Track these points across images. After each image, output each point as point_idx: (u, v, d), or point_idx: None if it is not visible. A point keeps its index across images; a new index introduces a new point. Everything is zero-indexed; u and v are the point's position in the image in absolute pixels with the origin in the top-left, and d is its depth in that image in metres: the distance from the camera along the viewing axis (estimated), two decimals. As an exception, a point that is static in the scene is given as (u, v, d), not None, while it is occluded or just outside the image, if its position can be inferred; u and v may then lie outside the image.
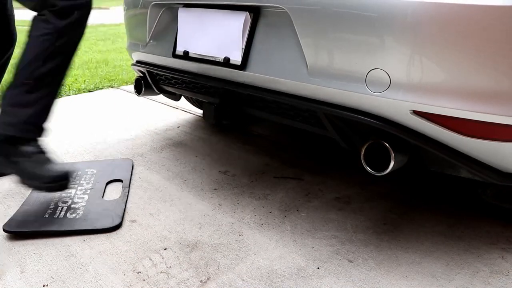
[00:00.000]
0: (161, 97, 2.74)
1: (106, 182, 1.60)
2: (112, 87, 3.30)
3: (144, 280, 1.09)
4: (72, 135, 2.16)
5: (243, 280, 1.09)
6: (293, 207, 1.44)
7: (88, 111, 2.64)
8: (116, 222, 1.32)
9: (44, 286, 1.08)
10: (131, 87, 3.19)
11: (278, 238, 1.27)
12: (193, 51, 1.42)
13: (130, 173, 1.68)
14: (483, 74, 0.90)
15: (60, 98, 3.00)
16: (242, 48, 1.28)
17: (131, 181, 1.62)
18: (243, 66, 1.28)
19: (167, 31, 1.58)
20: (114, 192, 1.54)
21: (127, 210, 1.43)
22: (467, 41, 0.89)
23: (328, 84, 1.08)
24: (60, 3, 1.24)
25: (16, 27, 1.61)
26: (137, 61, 1.80)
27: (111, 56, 4.75)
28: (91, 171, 1.68)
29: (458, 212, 1.41)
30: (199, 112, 2.51)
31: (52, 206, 1.40)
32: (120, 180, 1.62)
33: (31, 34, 1.28)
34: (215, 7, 1.37)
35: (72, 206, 1.41)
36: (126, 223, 1.35)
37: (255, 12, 1.26)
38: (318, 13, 1.07)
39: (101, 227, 1.29)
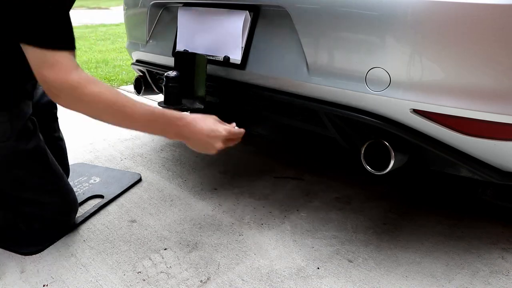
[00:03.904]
0: (161, 97, 2.74)
1: (89, 196, 1.51)
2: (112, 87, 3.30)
3: (144, 280, 1.09)
4: (72, 135, 2.15)
5: (243, 280, 1.09)
6: (293, 207, 1.44)
7: (88, 111, 2.63)
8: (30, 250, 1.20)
9: (44, 286, 1.07)
10: (131, 87, 3.17)
11: (278, 238, 1.26)
12: (193, 50, 1.42)
13: (123, 190, 1.55)
14: (483, 73, 0.89)
15: (60, 98, 3.00)
16: (242, 47, 1.28)
17: (119, 198, 1.50)
18: (243, 65, 1.28)
19: (167, 30, 1.58)
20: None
21: (127, 210, 1.43)
22: (467, 39, 0.89)
23: (328, 83, 1.08)
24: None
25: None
26: (137, 60, 1.80)
27: (111, 56, 4.75)
28: (94, 180, 1.63)
29: (458, 212, 1.40)
30: (199, 112, 2.51)
31: None
32: (101, 196, 1.51)
33: None
34: (215, 6, 1.36)
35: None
36: (126, 223, 1.35)
37: (255, 11, 1.26)
38: (318, 12, 1.07)
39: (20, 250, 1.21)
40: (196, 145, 1.16)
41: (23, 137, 1.15)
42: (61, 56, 1.01)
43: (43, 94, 1.42)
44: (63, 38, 1.03)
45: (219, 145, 1.15)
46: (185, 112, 1.15)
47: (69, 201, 1.28)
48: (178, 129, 1.13)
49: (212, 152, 1.16)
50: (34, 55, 1.01)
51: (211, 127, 1.15)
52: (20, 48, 1.04)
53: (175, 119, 1.12)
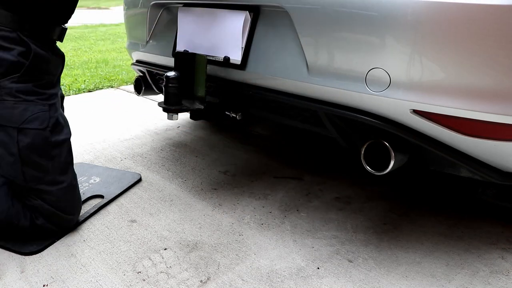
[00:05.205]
0: (161, 97, 2.74)
1: (89, 196, 1.50)
2: (112, 87, 3.30)
3: (144, 280, 1.09)
4: (72, 135, 2.15)
5: (243, 280, 1.09)
6: (293, 207, 1.44)
7: (88, 111, 2.64)
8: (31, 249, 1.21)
9: (44, 286, 1.07)
10: (131, 87, 3.19)
11: (278, 238, 1.27)
12: (193, 51, 1.42)
13: (124, 190, 1.55)
14: (483, 73, 0.89)
15: (60, 98, 3.01)
16: (242, 47, 1.28)
17: (119, 198, 1.50)
18: (243, 65, 1.28)
19: (167, 30, 1.58)
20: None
21: (127, 210, 1.43)
22: (467, 39, 0.89)
23: (328, 83, 1.08)
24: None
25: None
26: (137, 61, 1.80)
27: (111, 56, 4.75)
28: (94, 180, 1.63)
29: (458, 212, 1.40)
30: (199, 112, 2.51)
31: None
32: (101, 196, 1.51)
33: None
34: (215, 7, 1.36)
35: None
36: (126, 223, 1.35)
37: (255, 12, 1.26)
38: (318, 13, 1.07)
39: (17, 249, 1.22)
40: None
41: (56, 129, 1.23)
42: None
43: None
44: None
45: None
46: None
47: (76, 199, 1.31)
48: None
49: None
50: None
51: None
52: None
53: None
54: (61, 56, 1.34)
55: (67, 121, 1.32)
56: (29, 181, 1.21)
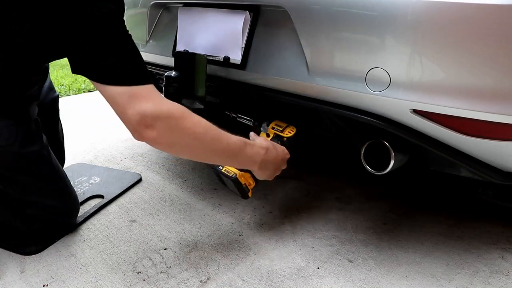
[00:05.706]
0: (161, 97, 2.74)
1: (89, 196, 1.51)
2: (112, 87, 3.30)
3: (144, 280, 1.09)
4: (72, 135, 2.15)
5: (243, 280, 1.09)
6: (293, 207, 1.44)
7: (88, 111, 2.64)
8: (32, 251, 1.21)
9: (44, 286, 1.07)
10: (131, 87, 3.18)
11: (278, 238, 1.26)
12: (193, 50, 1.42)
13: (124, 190, 1.56)
14: (483, 73, 0.89)
15: (60, 98, 3.00)
16: (242, 47, 1.28)
17: (119, 198, 1.51)
18: (243, 65, 1.28)
19: (166, 30, 1.58)
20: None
21: (127, 210, 1.43)
22: (467, 39, 0.89)
23: (328, 83, 1.08)
24: None
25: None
26: (137, 61, 1.79)
27: (111, 56, 4.74)
28: (94, 180, 1.63)
29: (458, 212, 1.40)
30: (199, 112, 2.51)
31: None
32: (101, 196, 1.52)
33: None
34: (215, 6, 1.36)
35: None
36: (126, 223, 1.35)
37: (255, 11, 1.26)
38: (318, 12, 1.07)
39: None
40: (269, 171, 1.17)
41: (26, 140, 1.14)
42: (151, 88, 0.98)
43: (48, 91, 1.43)
44: (145, 71, 1.01)
45: (284, 166, 1.23)
46: (258, 139, 1.16)
47: (71, 203, 1.28)
48: (262, 157, 1.12)
49: (275, 175, 1.21)
50: (119, 92, 0.97)
51: (283, 150, 1.21)
52: (23, 57, 1.01)
53: (259, 148, 1.12)
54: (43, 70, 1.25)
55: (40, 127, 1.21)
56: (16, 194, 1.18)
